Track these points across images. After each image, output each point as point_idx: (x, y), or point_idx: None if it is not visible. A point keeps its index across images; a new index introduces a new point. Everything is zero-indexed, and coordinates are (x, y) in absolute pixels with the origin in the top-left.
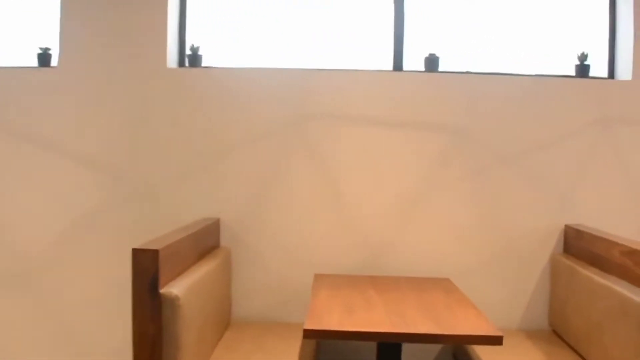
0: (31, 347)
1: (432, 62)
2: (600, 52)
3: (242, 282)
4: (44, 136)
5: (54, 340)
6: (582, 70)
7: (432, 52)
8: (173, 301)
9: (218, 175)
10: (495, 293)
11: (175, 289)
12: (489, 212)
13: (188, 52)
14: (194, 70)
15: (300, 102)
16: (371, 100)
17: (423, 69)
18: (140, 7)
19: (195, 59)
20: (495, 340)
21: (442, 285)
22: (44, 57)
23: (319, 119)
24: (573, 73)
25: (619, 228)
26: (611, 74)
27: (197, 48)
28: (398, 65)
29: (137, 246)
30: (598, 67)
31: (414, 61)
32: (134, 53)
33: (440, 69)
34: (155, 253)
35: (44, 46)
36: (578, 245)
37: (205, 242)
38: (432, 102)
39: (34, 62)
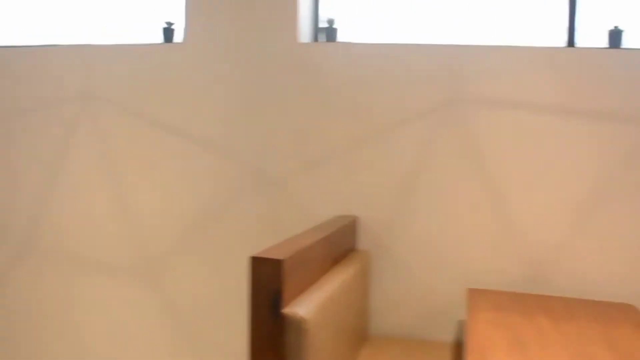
0: (150, 346)
1: (615, 37)
2: None
3: (382, 292)
4: (167, 118)
5: (173, 340)
6: None
7: (616, 24)
8: (299, 324)
9: (357, 165)
10: None
11: (301, 308)
12: None
13: (323, 25)
14: (330, 45)
15: (453, 84)
16: (540, 83)
17: (602, 44)
18: None
19: (330, 33)
20: None
21: (625, 313)
22: (169, 33)
23: (475, 103)
24: None
25: None
26: None
27: (333, 21)
28: (571, 40)
29: (257, 251)
30: None
31: (591, 36)
32: (262, 26)
33: (624, 45)
34: (277, 264)
35: (169, 20)
36: None
37: (340, 245)
38: (615, 85)
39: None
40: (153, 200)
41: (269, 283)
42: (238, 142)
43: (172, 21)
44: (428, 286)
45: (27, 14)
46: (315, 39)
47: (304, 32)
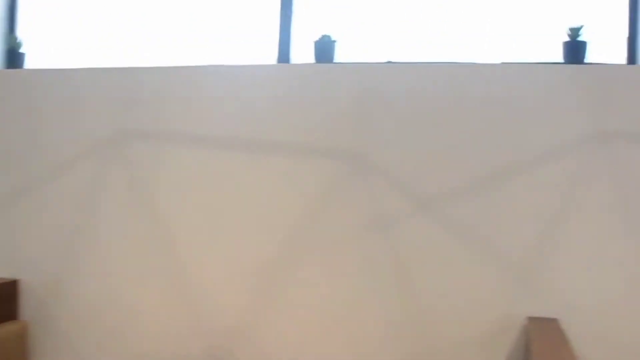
0: None
1: (324, 49)
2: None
3: None
4: None
5: None
6: (574, 50)
7: (326, 34)
8: None
9: (15, 218)
10: None
11: None
12: (398, 288)
13: None
14: None
15: (123, 114)
16: (223, 110)
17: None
18: None
19: None
20: None
21: None
22: None
23: (146, 138)
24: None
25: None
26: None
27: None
28: (285, 56)
29: None
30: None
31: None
32: None
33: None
34: None
35: None
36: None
37: None
38: (314, 108)
39: None
40: None
41: None
42: None
43: None
44: None
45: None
46: None
47: None
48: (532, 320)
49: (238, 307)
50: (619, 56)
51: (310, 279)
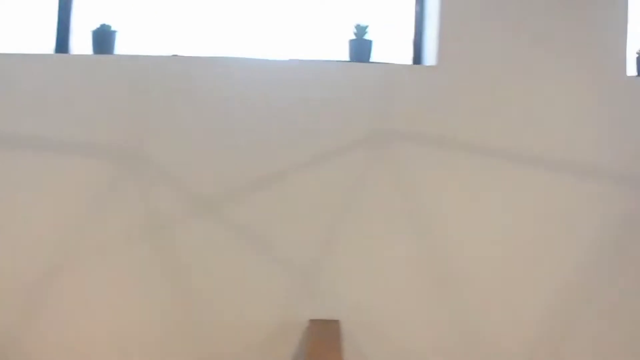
0: None
1: (103, 39)
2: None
3: None
4: None
5: None
6: (360, 49)
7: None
8: None
9: None
10: None
11: None
12: (176, 293)
13: None
14: None
15: None
16: None
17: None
18: None
19: None
20: None
21: None
22: None
23: None
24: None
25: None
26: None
27: None
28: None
29: None
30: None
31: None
32: None
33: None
34: None
35: None
36: None
37: None
38: (90, 102)
39: None
40: None
41: None
42: None
43: None
44: None
45: None
46: None
47: None
48: (314, 322)
49: (3, 318)
50: (405, 56)
51: (80, 284)
